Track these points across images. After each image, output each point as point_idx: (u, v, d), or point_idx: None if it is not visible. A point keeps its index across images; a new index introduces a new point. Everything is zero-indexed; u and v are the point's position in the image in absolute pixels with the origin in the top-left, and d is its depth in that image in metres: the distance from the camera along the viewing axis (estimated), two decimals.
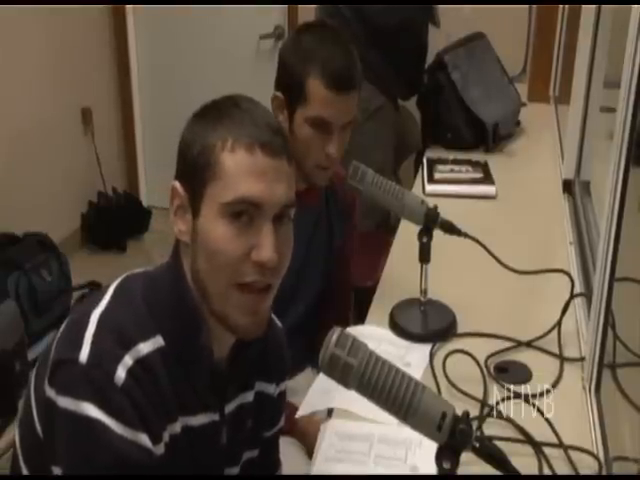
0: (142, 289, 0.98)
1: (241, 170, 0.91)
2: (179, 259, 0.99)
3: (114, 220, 3.57)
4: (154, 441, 0.91)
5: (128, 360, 0.90)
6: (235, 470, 1.09)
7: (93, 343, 0.90)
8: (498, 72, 2.64)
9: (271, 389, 1.13)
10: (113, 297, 0.97)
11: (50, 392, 0.91)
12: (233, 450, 1.07)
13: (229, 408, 1.04)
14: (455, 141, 2.50)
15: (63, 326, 0.98)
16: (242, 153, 0.92)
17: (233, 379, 1.04)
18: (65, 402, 0.89)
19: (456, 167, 2.30)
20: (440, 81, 2.50)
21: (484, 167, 2.29)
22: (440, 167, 2.31)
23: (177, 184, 0.97)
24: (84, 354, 0.89)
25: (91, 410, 0.87)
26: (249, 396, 1.07)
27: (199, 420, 0.99)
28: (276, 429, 1.18)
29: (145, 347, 0.93)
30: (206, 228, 0.93)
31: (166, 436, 0.94)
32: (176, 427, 0.96)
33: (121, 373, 0.89)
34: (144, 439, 0.90)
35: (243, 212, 0.92)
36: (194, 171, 0.94)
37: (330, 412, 1.33)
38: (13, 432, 1.05)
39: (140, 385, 0.90)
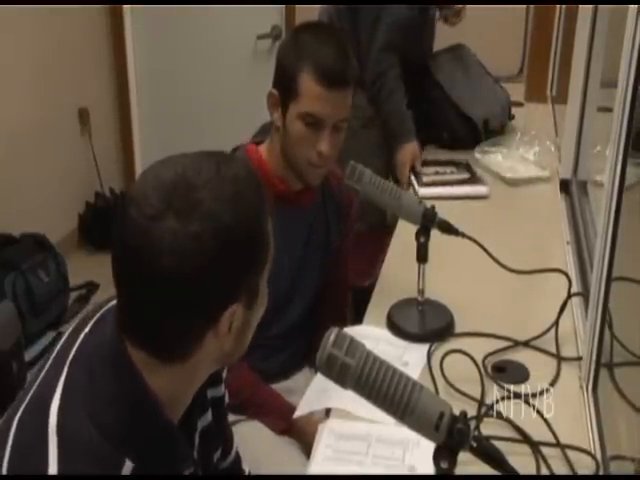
0: (90, 415, 0.82)
1: None
2: (129, 365, 0.84)
3: (111, 220, 3.57)
4: None
5: None
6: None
7: None
8: (482, 74, 2.66)
9: (221, 389, 1.07)
10: (62, 454, 0.81)
11: None
12: (208, 470, 1.03)
13: (196, 447, 0.98)
14: (452, 140, 2.52)
15: None
16: None
17: (195, 418, 0.98)
18: None
19: (440, 169, 2.31)
20: (426, 84, 2.53)
21: (467, 167, 2.30)
22: (424, 169, 2.31)
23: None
24: None
25: None
26: (208, 415, 1.01)
27: None
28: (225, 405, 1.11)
29: None
30: None
31: None
32: None
33: None
34: None
35: None
36: None
37: (328, 412, 1.33)
38: None
39: None
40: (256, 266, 0.85)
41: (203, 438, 0.99)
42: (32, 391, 0.89)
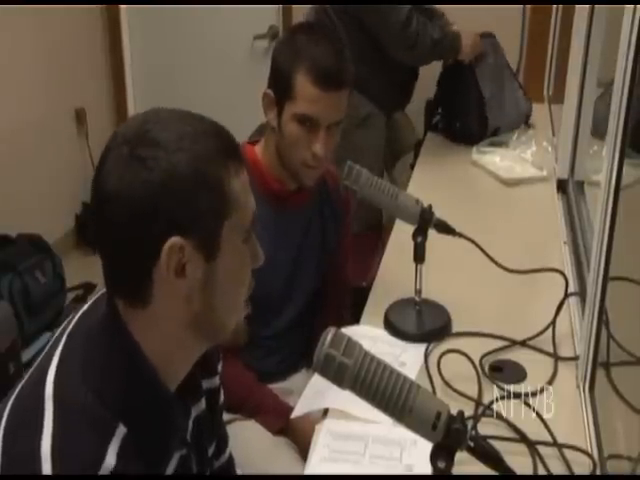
0: (85, 381, 0.84)
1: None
2: (120, 325, 0.87)
3: None
4: None
5: None
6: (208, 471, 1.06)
7: None
8: (508, 74, 2.64)
9: (216, 381, 1.07)
10: (57, 416, 0.82)
11: None
12: (203, 464, 1.04)
13: (189, 431, 0.98)
14: (462, 131, 2.53)
15: (3, 463, 0.82)
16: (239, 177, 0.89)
17: (188, 403, 0.99)
18: None
19: None
20: (462, 65, 2.52)
21: None
22: None
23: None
24: None
25: None
26: (202, 404, 1.02)
27: (170, 468, 0.92)
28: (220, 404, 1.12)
29: (111, 455, 0.81)
30: None
31: None
32: None
33: None
34: None
35: None
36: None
37: (325, 412, 1.33)
38: None
39: None
40: (205, 209, 0.84)
41: (197, 425, 1.00)
42: (30, 371, 0.91)
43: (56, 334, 0.94)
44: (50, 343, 0.93)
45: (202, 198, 0.83)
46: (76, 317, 0.94)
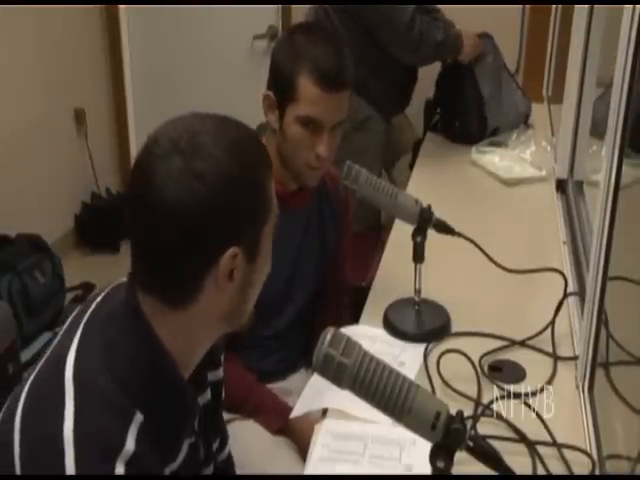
0: (105, 367, 0.87)
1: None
2: (142, 318, 0.89)
3: (108, 221, 3.57)
4: None
5: (120, 469, 0.81)
6: (209, 469, 1.07)
7: (79, 469, 0.81)
8: (506, 74, 2.64)
9: (220, 373, 1.09)
10: (78, 399, 0.84)
11: None
12: (209, 456, 1.05)
13: (197, 420, 1.00)
14: (462, 131, 2.53)
15: (22, 443, 0.84)
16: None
17: (197, 393, 1.01)
18: None
19: None
20: (460, 65, 2.52)
21: None
22: None
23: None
24: None
25: None
26: (207, 394, 1.05)
27: (181, 456, 0.95)
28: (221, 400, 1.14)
29: (131, 440, 0.83)
30: None
31: None
32: None
33: None
34: None
35: None
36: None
37: (324, 412, 1.33)
38: None
39: None
40: (256, 217, 0.89)
41: (203, 415, 1.02)
42: (46, 357, 0.93)
43: (69, 323, 0.96)
44: (63, 332, 0.95)
45: (252, 207, 0.89)
46: (91, 308, 0.96)
